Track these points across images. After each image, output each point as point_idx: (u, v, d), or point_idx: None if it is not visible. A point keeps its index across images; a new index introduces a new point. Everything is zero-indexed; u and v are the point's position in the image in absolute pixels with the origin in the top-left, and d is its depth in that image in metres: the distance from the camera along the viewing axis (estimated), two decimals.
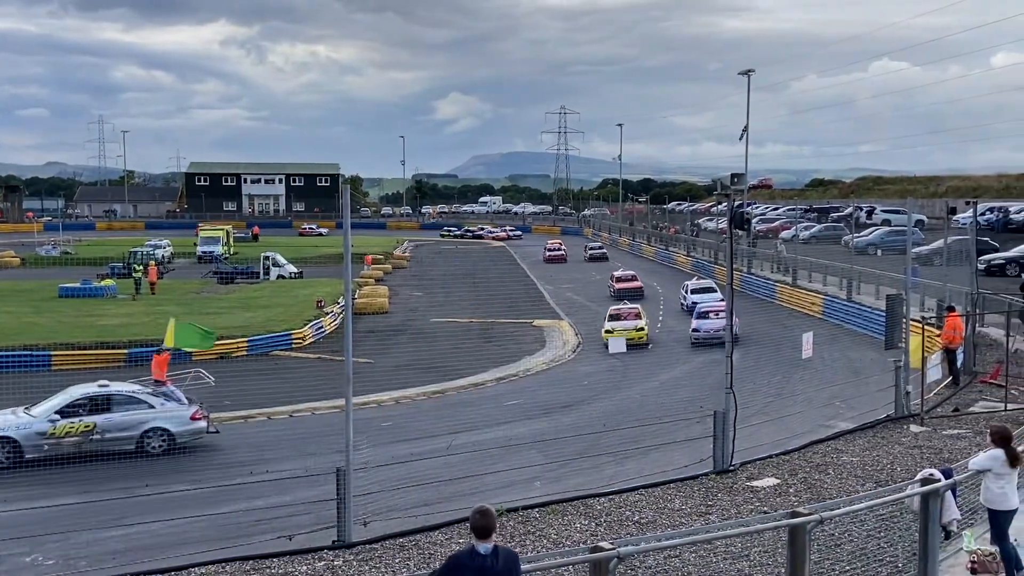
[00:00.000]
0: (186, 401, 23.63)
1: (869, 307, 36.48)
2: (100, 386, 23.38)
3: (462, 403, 28.93)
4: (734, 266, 20.42)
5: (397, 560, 12.07)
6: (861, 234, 55.71)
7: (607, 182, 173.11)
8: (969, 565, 10.27)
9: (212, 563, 12.11)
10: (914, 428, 19.31)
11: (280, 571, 11.79)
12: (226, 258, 73.37)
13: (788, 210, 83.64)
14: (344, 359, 13.81)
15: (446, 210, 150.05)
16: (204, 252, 75.55)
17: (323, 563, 12.09)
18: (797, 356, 24.20)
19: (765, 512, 13.13)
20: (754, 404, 23.66)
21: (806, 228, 66.67)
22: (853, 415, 22.02)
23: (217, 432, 23.41)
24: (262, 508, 16.95)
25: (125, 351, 35.49)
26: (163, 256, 70.42)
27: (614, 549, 7.53)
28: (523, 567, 7.13)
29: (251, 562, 12.13)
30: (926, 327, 23.79)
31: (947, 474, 10.26)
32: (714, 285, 45.69)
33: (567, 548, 11.54)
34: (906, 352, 21.29)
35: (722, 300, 37.46)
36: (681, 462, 17.37)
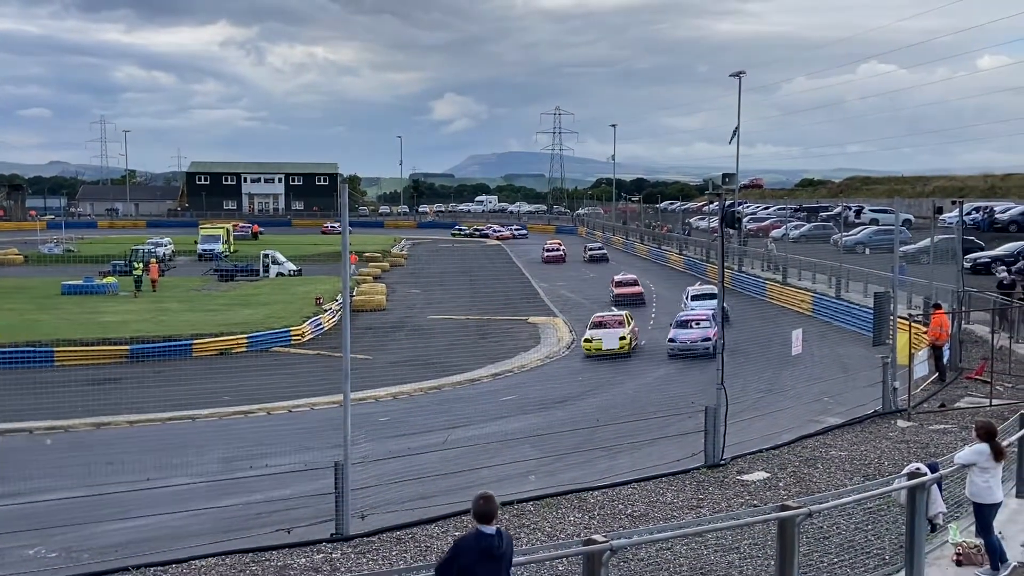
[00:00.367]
0: None
1: (857, 305, 36.52)
2: None
3: (458, 399, 28.94)
4: (725, 264, 20.45)
5: (394, 553, 12.07)
6: (849, 233, 55.78)
7: (601, 181, 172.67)
8: (954, 557, 10.30)
9: (213, 556, 12.11)
10: (901, 423, 19.35)
11: (279, 563, 11.79)
12: (226, 256, 73.28)
13: (778, 209, 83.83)
14: (342, 355, 13.81)
15: (443, 209, 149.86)
16: (205, 250, 75.48)
17: (321, 556, 12.09)
18: (787, 353, 24.24)
19: (755, 505, 13.16)
20: (745, 400, 23.70)
21: (796, 227, 66.72)
22: (841, 410, 22.07)
23: None
24: (261, 502, 16.94)
25: (127, 347, 35.54)
26: (164, 254, 70.32)
27: (607, 542, 7.55)
28: (519, 559, 7.16)
29: (251, 554, 12.13)
30: (913, 324, 23.86)
31: (933, 468, 10.28)
32: (714, 290, 43.66)
33: (561, 541, 11.55)
34: (893, 349, 21.35)
35: (710, 310, 35.53)
36: (673, 456, 17.42)
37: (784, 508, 8.74)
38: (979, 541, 10.22)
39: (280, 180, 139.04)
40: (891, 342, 21.65)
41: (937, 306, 25.85)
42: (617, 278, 50.42)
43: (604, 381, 30.83)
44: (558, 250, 77.34)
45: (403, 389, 29.97)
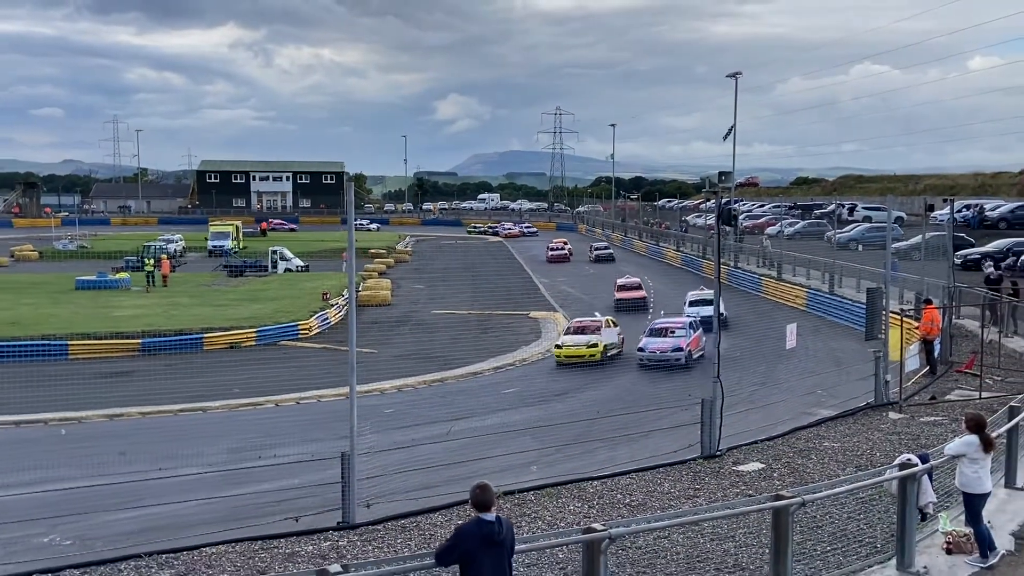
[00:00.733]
0: None
1: (850, 300, 36.49)
2: None
3: (461, 391, 28.94)
4: (722, 260, 20.44)
5: (399, 540, 12.10)
6: (843, 230, 55.82)
7: (600, 180, 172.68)
8: (944, 546, 10.30)
9: (223, 543, 12.14)
10: (893, 415, 19.35)
11: (287, 551, 11.82)
12: (235, 252, 73.30)
13: (773, 207, 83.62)
14: (348, 349, 13.83)
15: (447, 207, 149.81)
16: (214, 246, 75.47)
17: (328, 543, 12.12)
18: (781, 346, 24.20)
19: (750, 495, 13.17)
20: (740, 392, 23.68)
21: (790, 224, 66.69)
22: (835, 403, 22.04)
23: None
24: (270, 491, 16.96)
25: (139, 341, 35.57)
26: (175, 250, 70.32)
27: (606, 530, 7.56)
28: (520, 547, 7.17)
29: (260, 542, 12.16)
30: (905, 319, 23.88)
31: (924, 459, 10.28)
32: (711, 296, 40.54)
33: (561, 529, 11.56)
34: (885, 343, 21.33)
35: (694, 317, 34.21)
36: (670, 448, 17.41)
37: (778, 498, 8.75)
38: (968, 530, 10.22)
39: (288, 178, 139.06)
40: (883, 336, 21.62)
41: (928, 301, 25.84)
42: (620, 281, 47.07)
43: (603, 375, 30.79)
44: (562, 249, 73.71)
45: (407, 382, 29.97)
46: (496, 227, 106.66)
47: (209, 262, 69.07)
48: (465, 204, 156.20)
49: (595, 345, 31.79)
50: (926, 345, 24.31)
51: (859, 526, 10.85)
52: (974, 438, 10.19)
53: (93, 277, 53.32)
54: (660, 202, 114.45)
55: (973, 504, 10.19)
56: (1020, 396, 15.24)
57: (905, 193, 75.05)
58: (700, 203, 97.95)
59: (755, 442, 17.35)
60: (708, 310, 33.82)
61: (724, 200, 43.58)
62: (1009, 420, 12.68)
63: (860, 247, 49.70)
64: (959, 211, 46.46)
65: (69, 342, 34.91)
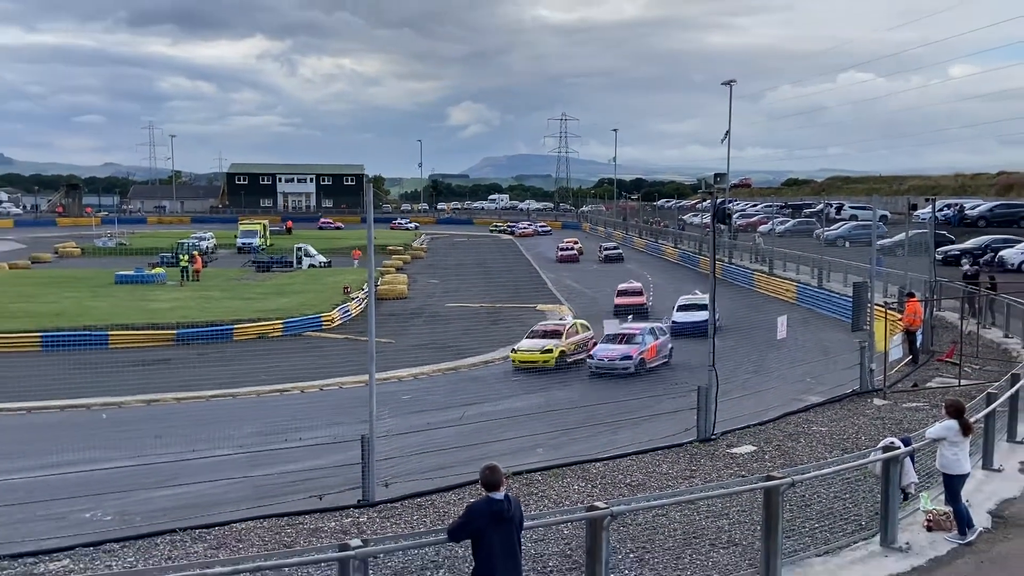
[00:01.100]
0: None
1: (838, 293, 36.38)
2: None
3: (473, 379, 28.98)
4: (717, 256, 20.40)
5: (415, 517, 12.11)
6: (831, 228, 55.64)
7: (603, 181, 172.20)
8: (925, 523, 10.28)
9: (252, 519, 12.17)
10: (877, 401, 19.29)
11: (311, 527, 11.84)
12: (263, 249, 73.45)
13: (765, 207, 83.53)
14: (368, 339, 13.84)
15: (459, 207, 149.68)
16: (243, 243, 75.69)
17: (349, 520, 12.14)
18: (772, 337, 24.18)
19: (743, 476, 13.14)
20: (734, 380, 23.68)
21: (781, 223, 66.59)
22: (822, 390, 22.01)
23: None
24: (295, 471, 17.02)
25: (174, 332, 35.74)
26: (207, 247, 70.50)
27: (608, 508, 7.57)
28: (528, 523, 7.19)
29: (286, 518, 12.18)
30: (889, 311, 23.80)
31: (906, 442, 10.25)
32: (703, 301, 33.63)
33: (566, 507, 11.57)
34: (871, 333, 21.26)
35: (654, 323, 31.56)
36: (668, 431, 17.41)
37: (769, 478, 8.74)
38: (948, 509, 10.20)
39: (311, 180, 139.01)
40: (868, 328, 21.55)
41: (911, 295, 25.76)
42: (621, 287, 42.72)
43: None
44: (572, 249, 69.82)
45: (423, 370, 30.03)
46: (513, 226, 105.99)
47: (238, 258, 69.27)
48: (477, 204, 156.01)
49: (549, 351, 28.94)
50: (909, 336, 24.23)
51: (845, 505, 10.83)
52: (953, 423, 10.17)
53: (131, 272, 53.59)
54: (659, 202, 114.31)
55: (952, 484, 10.16)
56: (997, 384, 15.15)
57: (889, 193, 74.71)
58: (696, 203, 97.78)
59: (748, 426, 17.32)
60: (698, 315, 32.61)
61: (719, 200, 43.32)
62: (987, 406, 12.64)
63: (847, 244, 49.54)
64: (940, 210, 46.13)
65: (109, 332, 35.10)
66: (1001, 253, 39.07)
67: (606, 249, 68.16)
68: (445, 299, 48.59)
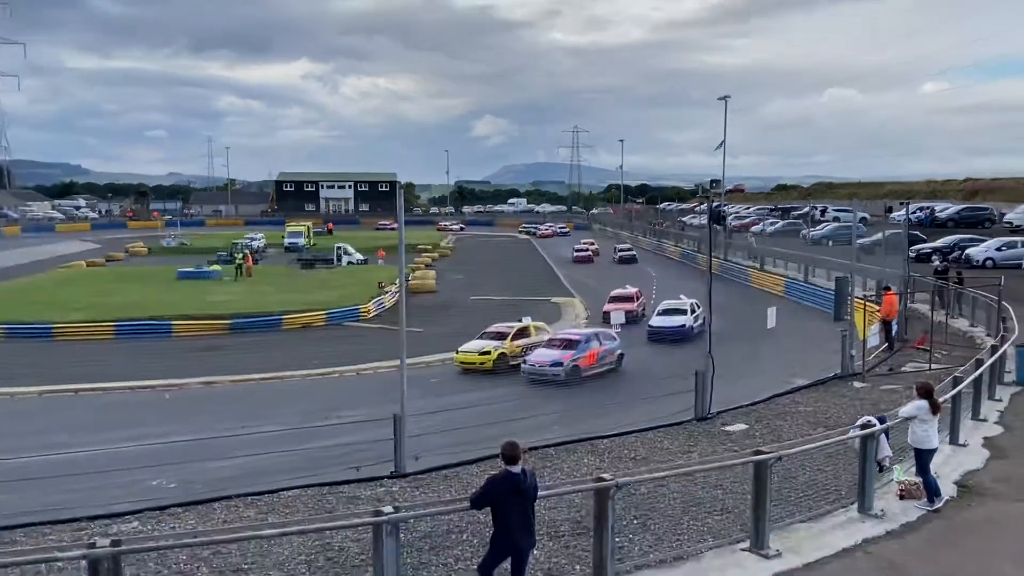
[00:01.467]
0: None
1: (822, 287, 36.12)
2: None
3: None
4: (714, 254, 20.30)
5: (441, 487, 12.15)
6: (816, 229, 55.20)
7: (611, 186, 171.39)
8: (898, 493, 10.24)
9: (297, 488, 12.25)
10: (856, 384, 19.19)
11: (350, 495, 11.91)
12: (307, 248, 73.76)
13: (757, 209, 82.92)
14: (400, 328, 13.90)
15: (482, 210, 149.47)
16: (290, 243, 75.98)
17: (383, 489, 12.20)
18: (763, 327, 24.01)
19: (736, 451, 13.11)
20: (728, 365, 23.49)
21: (772, 224, 66.00)
22: (808, 374, 21.85)
23: None
24: (335, 445, 17.10)
25: (229, 321, 35.98)
26: (258, 246, 70.85)
27: (614, 480, 7.58)
28: (543, 493, 7.20)
29: (327, 487, 12.26)
30: (867, 303, 23.58)
31: (882, 420, 10.21)
32: (687, 306, 31.88)
33: (577, 479, 11.58)
34: (851, 323, 21.14)
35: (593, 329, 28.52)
36: (669, 411, 17.34)
37: (759, 453, 8.74)
38: (918, 480, 10.17)
39: (350, 187, 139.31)
40: (849, 318, 21.43)
41: (887, 288, 25.57)
42: (615, 292, 37.93)
43: None
44: (587, 250, 65.76)
45: (450, 356, 29.99)
46: (536, 227, 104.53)
47: (286, 256, 69.55)
48: (497, 208, 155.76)
49: (487, 353, 26.35)
50: (885, 325, 24.07)
51: (827, 476, 10.80)
52: (924, 402, 10.13)
53: (192, 269, 53.95)
54: (661, 205, 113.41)
55: (922, 458, 10.13)
56: (963, 368, 15.04)
57: (868, 197, 73.91)
58: (695, 206, 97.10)
59: (740, 407, 17.26)
60: (677, 319, 30.74)
61: (715, 203, 43.12)
62: (953, 388, 12.61)
63: (830, 243, 49.06)
64: (914, 212, 45.70)
65: (172, 322, 35.39)
66: (967, 251, 38.77)
67: (620, 251, 64.46)
68: (469, 293, 48.58)
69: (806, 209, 68.43)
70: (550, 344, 25.89)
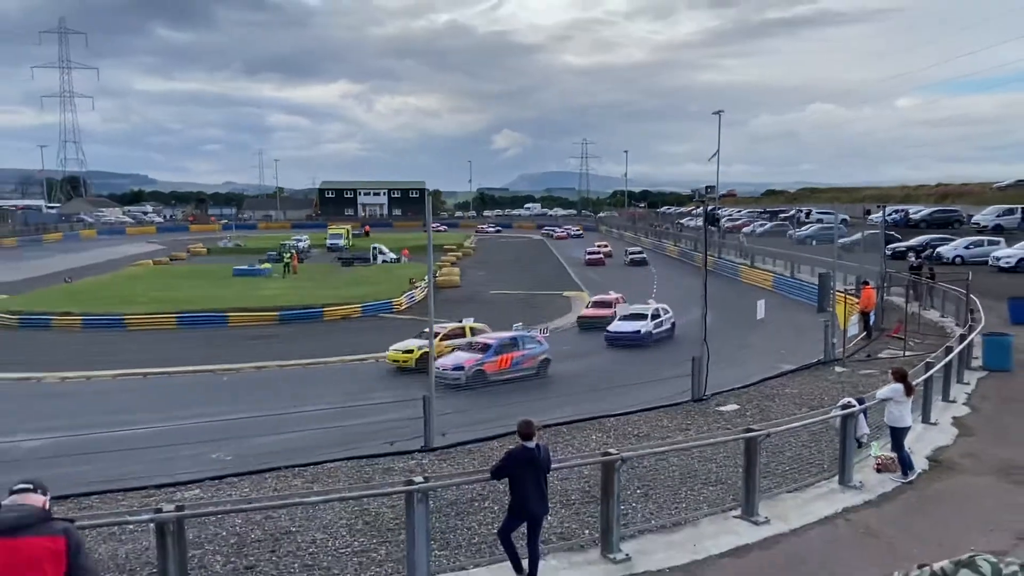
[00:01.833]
0: None
1: (806, 282, 35.85)
2: None
3: None
4: (709, 252, 20.20)
5: (465, 460, 12.19)
6: (801, 230, 54.76)
7: (616, 192, 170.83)
8: (875, 466, 10.17)
9: (339, 460, 12.33)
10: (838, 369, 19.03)
11: (385, 466, 11.97)
12: (347, 248, 74.05)
13: (748, 212, 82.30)
14: (428, 319, 13.94)
15: (501, 214, 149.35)
16: (332, 244, 76.31)
17: (414, 461, 12.25)
18: (753, 318, 23.87)
19: (728, 428, 13.06)
20: (722, 351, 23.35)
21: (761, 225, 65.56)
22: (794, 360, 21.71)
23: None
24: (372, 423, 17.14)
25: (278, 313, 36.19)
26: (303, 247, 71.23)
27: (619, 454, 7.57)
28: (555, 466, 7.21)
29: (365, 460, 12.33)
30: (847, 296, 23.37)
31: (860, 401, 10.14)
32: (648, 311, 28.97)
33: (586, 453, 11.58)
34: (833, 314, 20.95)
35: (531, 329, 26.54)
36: (668, 393, 17.29)
37: (749, 430, 8.69)
38: (894, 455, 10.09)
39: (384, 193, 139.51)
40: (831, 310, 21.23)
41: (866, 283, 25.36)
42: (596, 298, 34.80)
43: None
44: (599, 253, 61.37)
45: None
46: (553, 230, 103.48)
47: (327, 256, 69.89)
48: (515, 212, 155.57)
49: (410, 351, 24.46)
50: (864, 316, 23.86)
51: (811, 452, 10.73)
52: (899, 385, 10.05)
53: (245, 267, 54.33)
54: (661, 209, 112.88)
55: (897, 435, 10.05)
56: (934, 354, 14.88)
57: (848, 201, 73.25)
58: (692, 209, 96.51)
59: (732, 389, 17.19)
60: (636, 324, 27.97)
61: (710, 207, 42.84)
62: (925, 372, 12.50)
63: (814, 242, 48.65)
64: (890, 214, 45.14)
65: (228, 314, 35.64)
66: (938, 249, 38.39)
67: (631, 253, 59.99)
68: (490, 287, 48.63)
69: (792, 212, 67.94)
70: (468, 347, 23.49)
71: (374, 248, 64.06)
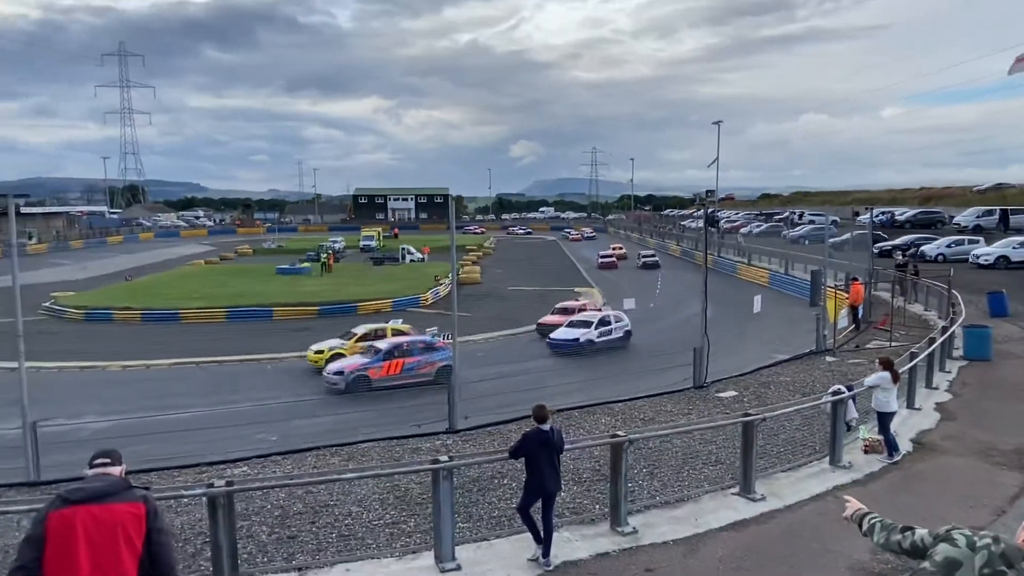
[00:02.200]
0: None
1: (800, 278, 35.48)
2: None
3: (530, 341, 28.89)
4: (709, 252, 20.07)
5: (486, 441, 12.23)
6: (794, 230, 54.17)
7: (623, 197, 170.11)
8: (863, 448, 10.07)
9: (372, 440, 12.43)
10: (828, 358, 18.83)
11: (413, 446, 12.04)
12: (378, 248, 74.34)
13: (745, 214, 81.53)
14: (452, 313, 13.97)
15: (518, 217, 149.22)
16: (364, 245, 76.56)
17: (439, 442, 12.32)
18: (750, 311, 23.68)
19: (727, 413, 12.98)
20: (721, 342, 23.18)
21: (757, 226, 64.94)
22: (788, 350, 21.52)
23: None
24: (401, 407, 17.28)
25: (317, 308, 36.38)
26: (339, 248, 71.54)
27: (626, 436, 7.56)
28: (567, 447, 7.20)
29: (395, 440, 12.42)
30: (837, 291, 23.13)
31: (849, 388, 10.06)
32: (594, 320, 26.10)
33: (596, 435, 11.57)
34: (824, 308, 20.74)
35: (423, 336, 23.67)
36: (671, 380, 17.23)
37: (747, 415, 8.64)
38: (880, 437, 9.99)
39: (411, 199, 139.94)
40: (822, 304, 21.02)
41: (854, 279, 25.05)
42: (560, 304, 31.68)
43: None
44: (611, 256, 56.81)
45: (492, 335, 30.09)
46: (569, 232, 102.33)
47: (361, 256, 70.17)
48: (530, 215, 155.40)
49: (320, 352, 23.11)
50: (853, 310, 23.59)
51: (803, 434, 10.65)
52: (886, 373, 9.94)
53: (287, 266, 54.64)
54: (665, 211, 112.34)
55: (884, 420, 9.94)
56: (918, 345, 14.69)
57: (838, 203, 72.40)
58: (693, 212, 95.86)
59: (731, 377, 17.09)
60: (576, 332, 25.43)
61: (710, 210, 42.44)
62: (910, 361, 12.35)
63: (806, 242, 48.15)
64: (877, 216, 44.57)
65: (273, 308, 35.90)
66: (922, 248, 37.91)
67: (644, 256, 54.99)
68: (508, 283, 48.59)
69: (786, 214, 67.26)
70: (365, 351, 21.37)
71: (403, 249, 64.23)
